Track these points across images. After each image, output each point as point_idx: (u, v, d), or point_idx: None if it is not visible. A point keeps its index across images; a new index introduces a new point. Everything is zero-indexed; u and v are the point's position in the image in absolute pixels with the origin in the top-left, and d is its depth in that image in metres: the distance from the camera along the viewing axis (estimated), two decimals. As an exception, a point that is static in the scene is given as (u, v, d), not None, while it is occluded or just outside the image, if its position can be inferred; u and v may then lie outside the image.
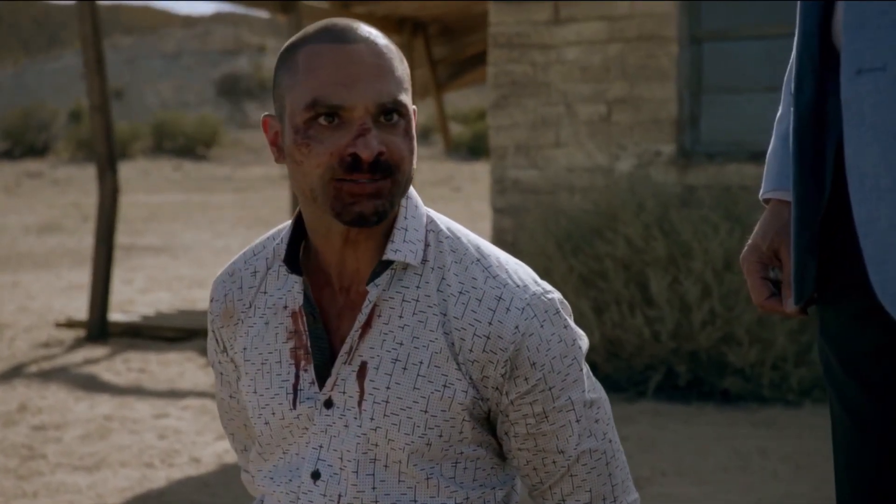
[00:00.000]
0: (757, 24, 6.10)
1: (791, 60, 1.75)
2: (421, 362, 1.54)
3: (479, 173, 22.02)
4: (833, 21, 1.54)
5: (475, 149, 27.48)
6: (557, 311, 1.57)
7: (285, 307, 1.61)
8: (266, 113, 1.59)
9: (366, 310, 1.54)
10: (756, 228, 1.71)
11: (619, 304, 5.42)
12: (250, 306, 1.65)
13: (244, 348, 1.64)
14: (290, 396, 1.58)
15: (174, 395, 5.86)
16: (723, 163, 6.00)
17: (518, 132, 6.46)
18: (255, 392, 1.62)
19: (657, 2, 6.10)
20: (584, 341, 1.61)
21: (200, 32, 42.47)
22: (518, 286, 1.57)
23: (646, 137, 6.17)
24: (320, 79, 1.47)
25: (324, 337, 1.57)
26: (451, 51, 10.81)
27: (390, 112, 1.49)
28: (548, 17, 6.35)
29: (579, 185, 6.28)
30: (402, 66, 1.53)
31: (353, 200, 1.47)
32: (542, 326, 1.55)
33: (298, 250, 1.62)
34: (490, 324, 1.53)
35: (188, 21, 52.00)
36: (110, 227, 7.57)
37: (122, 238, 13.61)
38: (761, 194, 1.74)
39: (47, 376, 6.30)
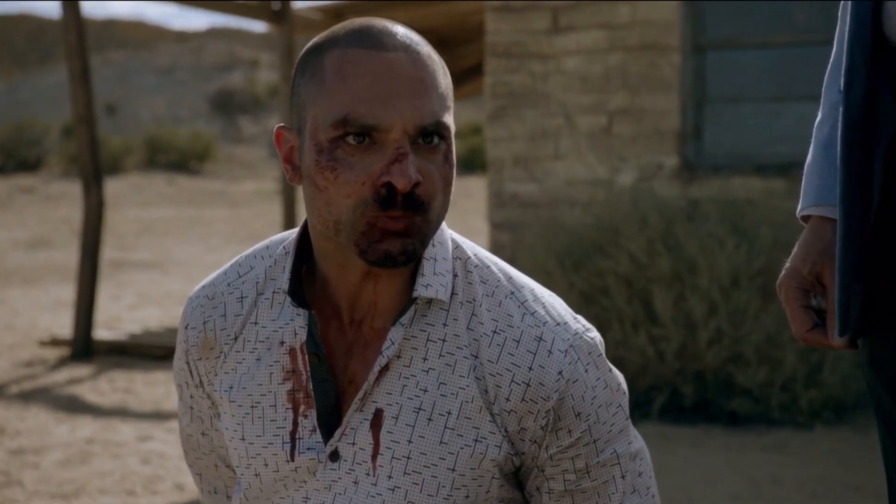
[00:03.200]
0: (762, 33, 5.92)
1: (831, 60, 1.57)
2: (449, 412, 1.32)
3: (474, 188, 21.84)
4: (884, 14, 1.37)
5: (469, 163, 27.34)
6: (601, 353, 1.36)
7: (282, 343, 1.37)
8: (280, 124, 1.35)
9: (387, 352, 1.31)
10: (795, 250, 1.51)
11: (621, 321, 5.22)
12: (236, 339, 1.41)
13: (230, 387, 1.40)
14: (288, 446, 1.36)
15: (159, 416, 5.64)
16: (728, 176, 5.81)
17: (516, 144, 6.27)
18: (244, 440, 1.39)
19: (659, 9, 5.91)
20: (625, 384, 1.41)
21: (194, 47, 42.35)
22: (558, 324, 1.35)
23: (648, 149, 5.98)
24: (352, 92, 1.25)
25: (329, 380, 1.34)
26: (446, 63, 10.63)
27: (431, 134, 1.26)
28: (546, 26, 6.16)
29: (579, 199, 6.09)
30: (445, 80, 1.30)
31: (381, 238, 1.25)
32: (586, 371, 1.34)
33: (301, 277, 1.39)
34: (530, 369, 1.32)
35: (181, 36, 51.92)
36: (95, 242, 7.35)
37: (112, 253, 13.40)
38: (799, 211, 1.54)
39: (28, 397, 6.08)
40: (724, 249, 5.14)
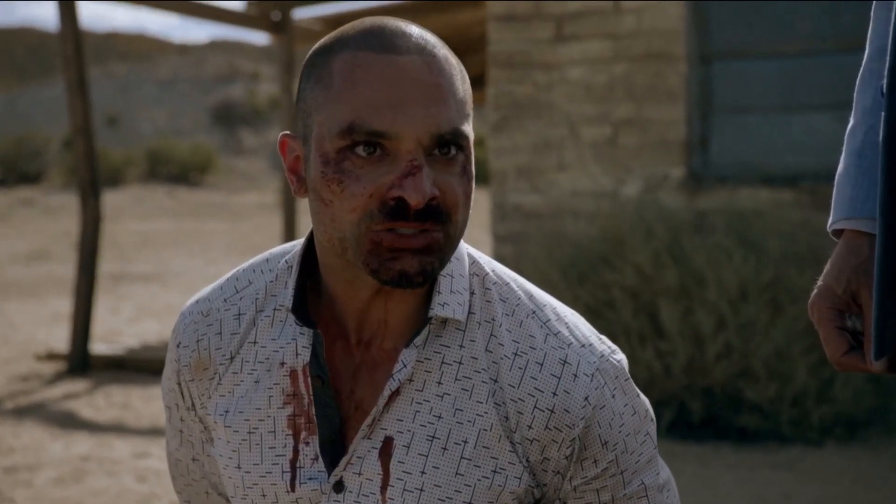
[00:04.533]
0: (769, 42, 5.82)
1: (864, 63, 1.47)
2: (465, 441, 1.22)
3: (474, 201, 21.88)
4: None
5: (471, 175, 27.36)
6: (628, 377, 1.27)
7: (282, 364, 1.27)
8: (284, 132, 1.24)
9: (398, 375, 1.21)
10: (827, 267, 1.41)
11: (627, 335, 5.12)
12: (233, 359, 1.31)
13: (225, 411, 1.30)
14: (288, 475, 1.26)
15: (156, 432, 5.53)
16: (735, 187, 5.71)
17: (519, 155, 6.17)
18: (240, 468, 1.29)
19: (665, 18, 5.82)
20: (652, 411, 1.31)
21: (195, 59, 42.34)
22: (583, 346, 1.25)
23: (653, 160, 5.88)
24: (361, 98, 1.14)
25: (332, 405, 1.24)
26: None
27: (447, 144, 1.16)
28: (550, 35, 6.07)
29: (584, 211, 5.98)
30: (464, 86, 1.20)
31: (395, 256, 1.15)
32: (613, 397, 1.25)
33: (305, 292, 1.29)
34: (555, 394, 1.23)
35: (182, 49, 51.91)
36: (92, 255, 7.25)
37: (112, 266, 13.30)
38: (830, 225, 1.44)
39: (23, 413, 5.97)
40: (732, 262, 5.03)
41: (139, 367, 7.15)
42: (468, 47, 9.68)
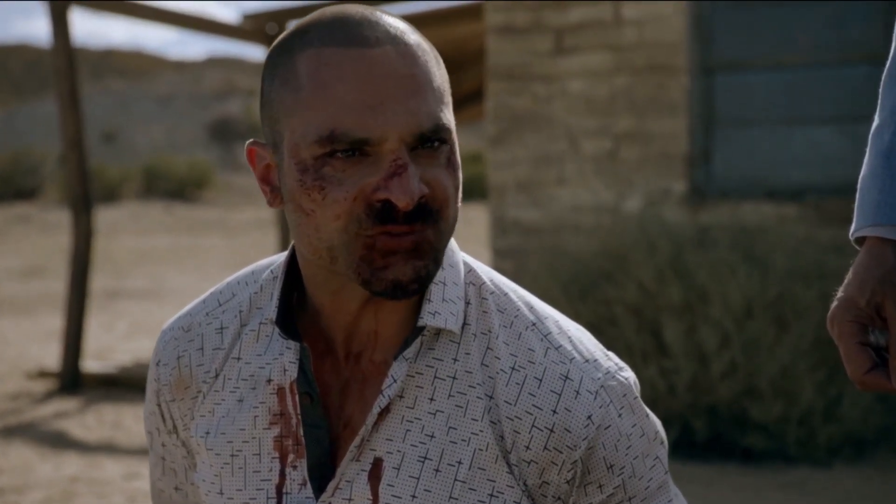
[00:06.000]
0: (772, 54, 5.73)
1: (889, 60, 1.38)
2: (460, 462, 1.13)
3: (473, 216, 21.76)
4: None
5: (468, 191, 27.31)
6: (636, 396, 1.17)
7: (269, 381, 1.18)
8: (251, 140, 1.15)
9: (388, 391, 1.12)
10: (848, 277, 1.30)
11: (630, 353, 5.01)
12: (217, 376, 1.22)
13: (206, 432, 1.21)
14: (273, 501, 1.17)
15: (147, 453, 5.41)
16: (738, 201, 5.61)
17: (519, 169, 6.07)
18: (222, 493, 1.20)
19: (666, 30, 5.73)
20: (663, 432, 1.21)
21: (192, 76, 42.35)
22: (587, 361, 1.16)
23: (655, 174, 5.79)
24: (335, 101, 1.05)
25: (323, 425, 1.15)
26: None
27: (431, 139, 1.07)
28: (550, 47, 5.98)
29: (585, 226, 5.88)
30: (440, 72, 1.10)
31: (387, 263, 1.06)
32: (620, 416, 1.15)
33: (291, 305, 1.19)
34: (555, 412, 1.13)
35: (179, 65, 51.93)
36: (84, 271, 7.14)
37: (107, 282, 13.21)
38: (854, 232, 1.34)
39: (12, 432, 5.85)
40: (737, 277, 4.93)
41: (131, 384, 7.04)
42: (464, 61, 9.60)
